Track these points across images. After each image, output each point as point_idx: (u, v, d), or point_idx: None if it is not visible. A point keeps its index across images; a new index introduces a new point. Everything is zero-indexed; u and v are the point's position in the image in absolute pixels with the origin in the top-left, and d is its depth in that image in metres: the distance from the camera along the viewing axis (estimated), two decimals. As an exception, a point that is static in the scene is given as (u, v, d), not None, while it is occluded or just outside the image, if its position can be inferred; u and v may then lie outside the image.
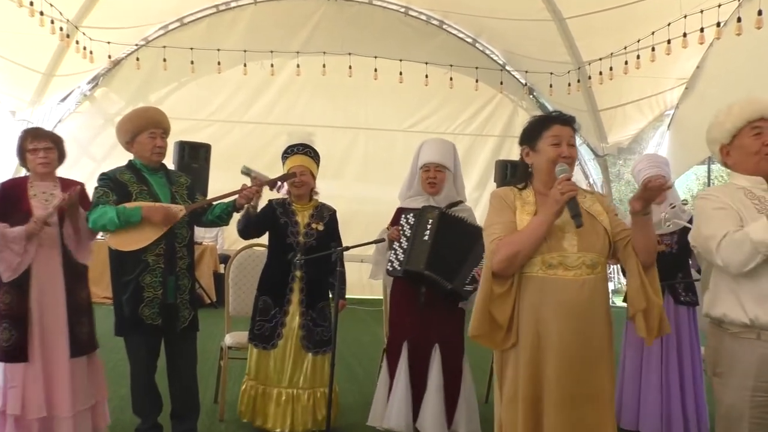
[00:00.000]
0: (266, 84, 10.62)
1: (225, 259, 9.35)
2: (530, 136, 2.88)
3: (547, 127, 2.84)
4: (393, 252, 4.15)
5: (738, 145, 2.75)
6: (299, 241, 4.31)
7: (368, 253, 4.43)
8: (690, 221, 4.44)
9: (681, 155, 9.50)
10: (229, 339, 4.70)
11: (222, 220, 4.12)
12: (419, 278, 4.06)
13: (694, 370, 4.50)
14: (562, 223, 2.72)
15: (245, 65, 9.84)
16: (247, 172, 4.12)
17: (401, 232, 4.16)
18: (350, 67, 9.80)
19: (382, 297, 4.88)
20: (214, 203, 4.09)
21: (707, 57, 8.72)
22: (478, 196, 10.73)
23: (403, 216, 4.20)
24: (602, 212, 2.85)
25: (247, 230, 4.25)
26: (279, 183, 4.26)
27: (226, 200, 4.09)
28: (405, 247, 4.12)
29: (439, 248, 4.03)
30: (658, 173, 4.64)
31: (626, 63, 8.52)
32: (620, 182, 22.84)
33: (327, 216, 4.47)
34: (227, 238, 10.41)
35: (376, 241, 4.22)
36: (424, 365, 4.12)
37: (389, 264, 4.14)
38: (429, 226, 4.08)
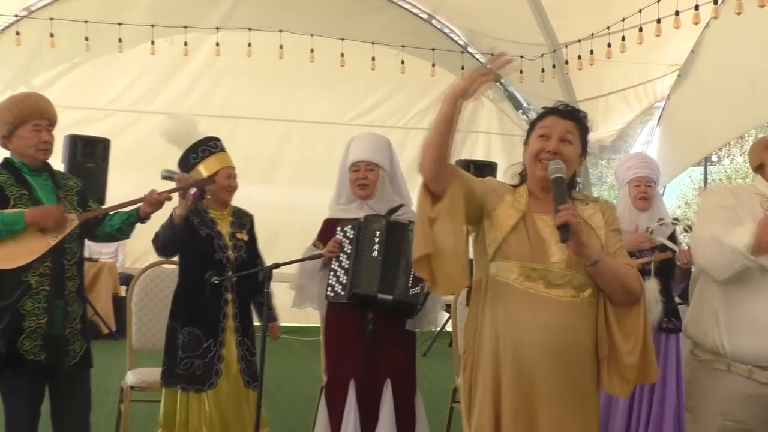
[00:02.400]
0: (178, 66, 10.52)
1: (127, 279, 9.18)
2: (530, 128, 2.98)
3: (541, 117, 2.92)
4: (332, 273, 4.13)
5: None
6: (229, 257, 4.30)
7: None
8: (672, 239, 4.59)
9: (673, 155, 9.71)
10: (131, 377, 4.64)
11: (122, 233, 4.05)
12: (369, 302, 4.05)
13: (679, 410, 4.60)
14: (551, 231, 2.76)
15: (153, 43, 9.72)
16: (169, 176, 4.08)
17: (341, 248, 4.15)
18: (281, 47, 9.77)
19: (319, 325, 4.87)
20: (112, 212, 4.02)
21: (703, 39, 8.92)
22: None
23: (339, 229, 4.19)
24: (602, 226, 2.89)
25: (172, 246, 4.19)
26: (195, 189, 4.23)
27: (127, 209, 4.03)
28: (347, 266, 4.11)
29: (389, 264, 4.04)
30: (648, 175, 4.74)
31: (609, 46, 8.66)
32: (603, 186, 23.24)
33: (247, 223, 4.50)
34: (129, 253, 10.25)
35: (313, 257, 4.20)
36: (375, 406, 4.12)
37: (329, 289, 4.13)
38: (377, 239, 4.09)
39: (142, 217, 4.01)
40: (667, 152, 9.80)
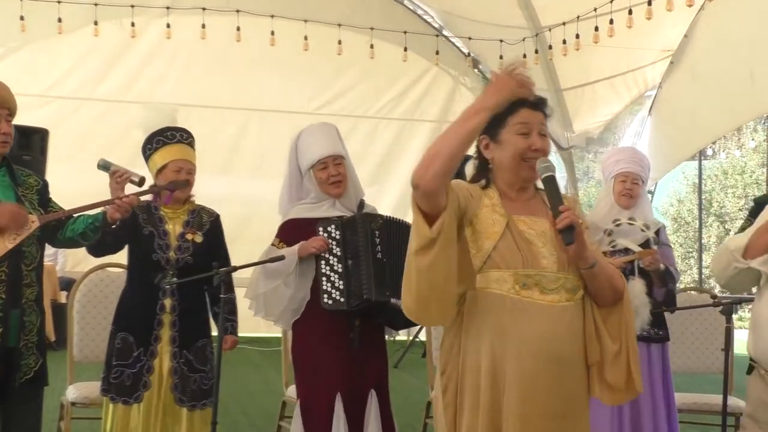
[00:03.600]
0: (125, 50, 10.44)
1: (67, 284, 9.13)
2: (491, 122, 2.89)
3: (513, 111, 2.87)
4: (324, 278, 4.11)
5: None
6: (169, 258, 4.25)
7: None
8: (646, 244, 4.60)
9: (665, 148, 9.80)
10: (72, 392, 4.60)
11: (85, 238, 3.97)
12: (377, 309, 4.07)
13: (671, 424, 4.64)
14: (539, 233, 2.79)
15: (96, 24, 9.64)
16: (105, 166, 4.03)
17: (329, 250, 4.13)
18: (238, 29, 9.72)
19: (279, 335, 4.86)
20: (77, 215, 3.95)
21: (697, 23, 9.00)
22: (407, 199, 10.75)
23: (321, 229, 4.16)
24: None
25: (102, 244, 4.13)
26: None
27: (92, 211, 3.96)
28: (340, 269, 4.10)
29: (393, 266, 4.04)
30: (636, 172, 4.76)
31: (596, 29, 8.70)
32: (589, 182, 23.38)
33: (207, 223, 4.41)
34: (70, 256, 10.16)
35: (273, 260, 4.17)
36: (360, 421, 4.14)
37: (324, 295, 4.09)
38: (378, 240, 4.10)
39: (109, 222, 3.92)
40: (658, 145, 9.88)
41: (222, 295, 3.97)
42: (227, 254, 4.48)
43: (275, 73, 10.75)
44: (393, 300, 3.97)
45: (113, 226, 3.95)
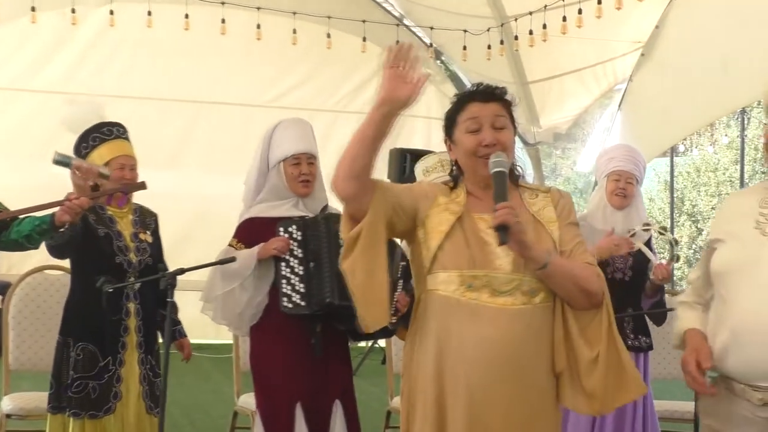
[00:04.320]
0: (65, 38, 10.34)
1: (2, 288, 9.00)
2: (446, 123, 2.95)
3: (461, 108, 2.90)
4: (284, 281, 4.10)
5: None
6: (131, 260, 4.26)
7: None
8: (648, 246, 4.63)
9: (636, 144, 9.78)
10: (8, 403, 4.57)
11: (31, 241, 3.91)
12: (341, 315, 4.05)
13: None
14: (494, 232, 2.77)
15: (33, 10, 9.53)
16: (64, 160, 3.98)
17: (290, 252, 4.12)
18: (187, 17, 9.66)
19: (230, 342, 4.85)
20: (22, 216, 3.90)
21: (669, 14, 9.06)
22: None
23: (282, 229, 4.15)
24: (554, 220, 2.90)
25: (69, 245, 4.08)
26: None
27: (39, 213, 3.91)
28: (302, 272, 4.10)
29: None
30: (631, 171, 4.79)
31: (564, 20, 8.76)
32: (557, 179, 23.57)
33: (152, 223, 4.46)
34: (5, 258, 10.02)
35: (223, 261, 4.15)
36: (324, 431, 4.15)
37: (284, 299, 4.08)
38: (341, 241, 4.07)
39: (57, 225, 3.86)
40: (628, 141, 9.90)
41: (169, 299, 3.97)
42: (163, 255, 4.51)
43: (226, 63, 10.71)
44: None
45: (61, 230, 3.91)
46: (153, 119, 10.32)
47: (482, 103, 2.88)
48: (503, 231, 2.66)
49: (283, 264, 4.11)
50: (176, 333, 4.49)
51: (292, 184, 4.23)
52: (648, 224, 4.68)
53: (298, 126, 4.36)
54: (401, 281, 4.16)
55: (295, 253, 4.12)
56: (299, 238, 4.13)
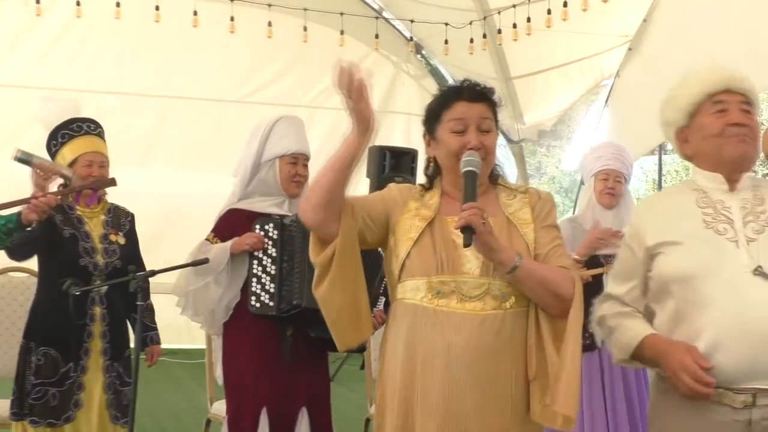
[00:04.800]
0: (29, 29, 10.28)
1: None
2: (429, 118, 2.94)
3: (447, 105, 2.89)
4: (254, 279, 4.11)
5: (697, 126, 2.90)
6: (97, 263, 4.24)
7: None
8: None
9: (623, 142, 9.78)
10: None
11: None
12: (302, 317, 4.05)
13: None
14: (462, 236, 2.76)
15: (-3, 1, 9.49)
16: (25, 158, 3.97)
17: (264, 250, 4.11)
18: (157, 9, 9.61)
19: (203, 346, 4.84)
20: None
21: (657, 7, 9.10)
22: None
23: (258, 227, 4.16)
24: (529, 222, 2.90)
25: (32, 245, 4.06)
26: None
27: (5, 212, 3.92)
28: (274, 272, 4.09)
29: None
30: (618, 169, 4.81)
31: (549, 13, 8.79)
32: (542, 178, 23.63)
33: (127, 223, 4.44)
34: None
35: (197, 263, 4.14)
36: None
37: (252, 298, 4.08)
38: None
39: (24, 224, 3.87)
40: (615, 139, 9.91)
41: (140, 303, 3.94)
42: (141, 257, 4.50)
43: (198, 57, 10.67)
44: None
45: (28, 229, 3.89)
46: (121, 115, 10.27)
47: (469, 103, 2.87)
48: (468, 232, 2.66)
49: (255, 262, 4.11)
50: (148, 339, 4.48)
51: (285, 183, 4.25)
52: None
53: (299, 125, 4.38)
54: (383, 298, 4.17)
55: (269, 252, 4.12)
56: (275, 236, 4.13)
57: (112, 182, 4.22)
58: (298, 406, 4.16)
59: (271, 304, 4.07)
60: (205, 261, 4.06)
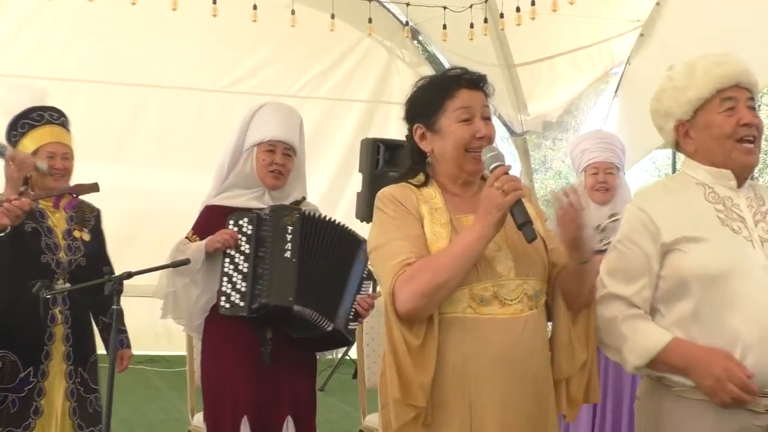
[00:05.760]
0: (-4, 13, 10.27)
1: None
2: (425, 108, 2.93)
3: (450, 94, 2.89)
4: (225, 278, 4.11)
5: (704, 123, 2.94)
6: (60, 260, 4.24)
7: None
8: None
9: (634, 135, 9.88)
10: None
11: None
12: (279, 317, 4.05)
13: None
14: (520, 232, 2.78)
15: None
16: None
17: (237, 245, 4.12)
18: (134, -9, 9.62)
19: (184, 353, 4.84)
20: None
21: (670, -11, 9.14)
22: (335, 192, 10.79)
23: (232, 222, 4.16)
24: (536, 216, 2.93)
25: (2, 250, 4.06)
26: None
27: None
28: (246, 270, 4.09)
29: (307, 269, 4.05)
30: (608, 160, 4.80)
31: (555, -5, 8.80)
32: (547, 173, 23.63)
33: (92, 219, 4.44)
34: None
35: (177, 264, 4.15)
36: None
37: (222, 298, 4.09)
38: (289, 237, 4.08)
39: None
40: (626, 131, 9.96)
41: (115, 306, 3.95)
42: (108, 255, 4.52)
43: (178, 42, 10.67)
44: (297, 307, 3.97)
45: (1, 234, 3.89)
46: (94, 105, 10.27)
47: (471, 91, 2.90)
48: (529, 226, 2.69)
49: (227, 260, 4.10)
50: (124, 341, 4.51)
51: (260, 172, 4.25)
52: (615, 215, 4.64)
53: (284, 112, 4.37)
54: (367, 282, 4.18)
55: (242, 248, 4.12)
56: (249, 232, 4.13)
57: (95, 188, 4.18)
58: (283, 415, 4.16)
59: (242, 304, 4.05)
60: (187, 262, 4.07)
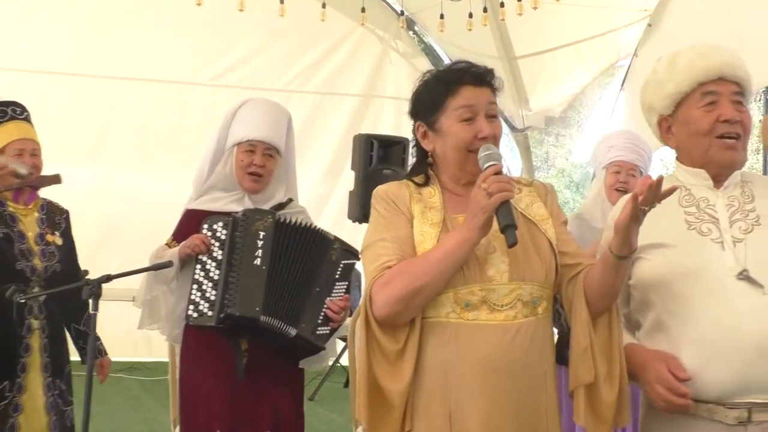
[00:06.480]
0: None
1: None
2: (427, 106, 2.93)
3: (452, 91, 2.88)
4: (195, 286, 4.10)
5: (683, 119, 2.93)
6: (35, 266, 4.24)
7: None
8: None
9: (641, 130, 9.86)
10: None
11: None
12: (247, 328, 4.05)
13: None
14: (485, 238, 2.77)
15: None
16: None
17: (209, 252, 4.11)
18: (113, -23, 9.63)
19: (166, 359, 4.84)
20: None
21: (680, -22, 9.16)
22: (326, 192, 10.79)
23: (206, 226, 4.16)
24: (546, 217, 2.93)
25: None
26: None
27: None
28: (217, 277, 4.08)
29: (277, 277, 4.05)
30: (633, 161, 4.82)
31: (558, -17, 8.83)
32: (549, 171, 23.64)
33: (62, 222, 4.45)
34: None
35: (157, 267, 4.16)
36: None
37: (190, 307, 4.07)
38: (260, 243, 4.07)
39: None
40: (632, 127, 9.98)
41: (93, 312, 3.94)
42: (77, 260, 4.52)
43: (159, 33, 10.69)
44: (264, 318, 3.96)
45: None
46: (69, 100, 10.28)
47: (476, 87, 2.88)
48: (511, 230, 2.67)
49: (198, 267, 4.08)
50: (102, 350, 4.52)
51: (239, 175, 4.24)
52: None
53: (268, 109, 4.35)
54: (340, 284, 4.18)
55: (215, 254, 4.09)
56: (223, 237, 4.11)
57: (57, 179, 4.19)
58: (263, 430, 4.15)
59: (210, 314, 4.01)
60: (169, 264, 4.07)
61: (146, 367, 9.28)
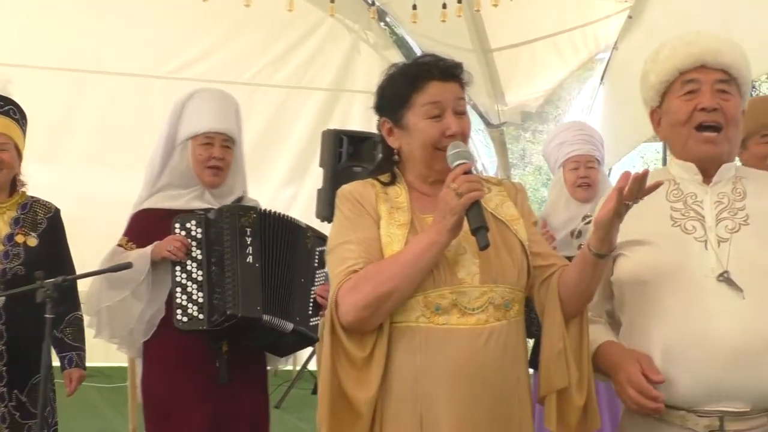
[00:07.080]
0: None
1: None
2: (392, 102, 2.94)
3: (418, 86, 2.90)
4: (179, 289, 4.09)
5: (666, 109, 2.96)
6: None
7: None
8: None
9: (621, 126, 9.95)
10: None
11: None
12: (241, 328, 4.05)
13: None
14: (455, 239, 2.78)
15: None
16: None
17: (188, 252, 4.10)
18: (69, -34, 9.59)
19: (125, 364, 4.83)
20: None
21: (661, -32, 9.20)
22: (292, 190, 10.79)
23: (178, 225, 4.14)
24: (517, 217, 2.94)
25: None
26: None
27: None
28: (201, 278, 4.08)
29: (269, 273, 4.07)
30: (589, 153, 4.81)
31: (535, -27, 8.85)
32: (526, 168, 23.72)
33: (44, 221, 4.43)
34: None
35: (117, 268, 4.13)
36: None
37: (178, 311, 4.06)
38: (249, 240, 4.08)
39: None
40: (613, 122, 10.03)
41: (48, 315, 3.91)
42: (71, 261, 4.51)
43: (117, 23, 10.62)
44: (266, 317, 3.98)
45: None
46: (25, 95, 10.11)
47: (443, 82, 2.89)
48: (482, 232, 2.68)
49: (178, 268, 4.08)
50: (66, 360, 4.47)
51: (197, 169, 4.23)
52: (588, 216, 4.53)
53: (219, 99, 4.35)
54: (320, 272, 4.19)
55: (194, 254, 4.10)
56: (199, 236, 4.11)
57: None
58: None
59: (201, 317, 4.03)
60: (129, 266, 4.03)
61: (103, 374, 9.21)
